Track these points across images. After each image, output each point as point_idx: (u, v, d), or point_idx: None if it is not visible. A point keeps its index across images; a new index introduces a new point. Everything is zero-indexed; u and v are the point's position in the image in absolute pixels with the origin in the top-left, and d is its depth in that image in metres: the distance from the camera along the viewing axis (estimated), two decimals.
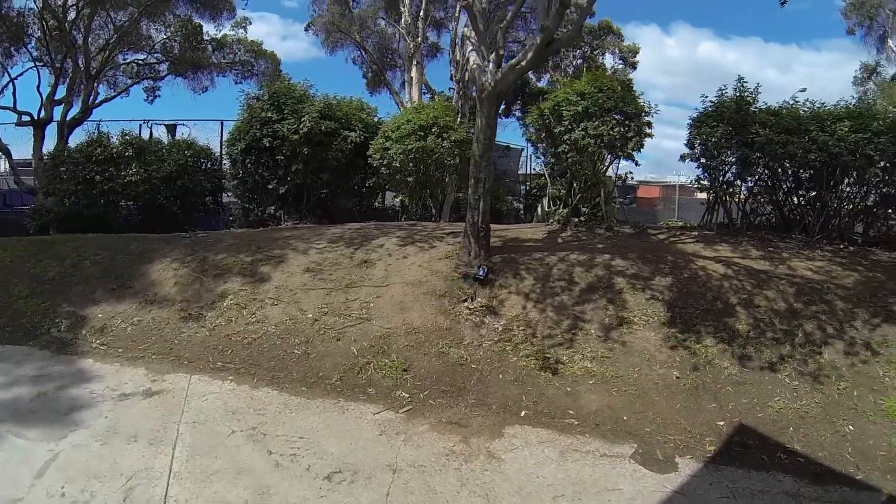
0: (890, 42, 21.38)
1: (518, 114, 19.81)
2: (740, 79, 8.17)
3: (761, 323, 5.92)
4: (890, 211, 7.92)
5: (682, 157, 8.43)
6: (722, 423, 4.83)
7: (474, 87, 8.36)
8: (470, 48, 6.92)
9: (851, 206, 8.03)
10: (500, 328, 5.96)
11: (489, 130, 6.50)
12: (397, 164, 8.69)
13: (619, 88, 8.19)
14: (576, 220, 8.28)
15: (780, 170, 8.00)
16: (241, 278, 6.58)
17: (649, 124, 8.24)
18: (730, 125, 7.70)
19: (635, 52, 21.54)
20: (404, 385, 5.06)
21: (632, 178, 8.82)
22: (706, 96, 8.39)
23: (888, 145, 7.06)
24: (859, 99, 8.75)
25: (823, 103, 7.92)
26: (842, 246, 7.53)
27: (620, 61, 20.70)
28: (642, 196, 23.24)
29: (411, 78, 16.83)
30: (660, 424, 4.75)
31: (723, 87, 8.20)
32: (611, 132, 7.72)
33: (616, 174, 8.65)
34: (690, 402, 5.02)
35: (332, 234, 7.77)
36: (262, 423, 4.44)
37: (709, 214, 8.57)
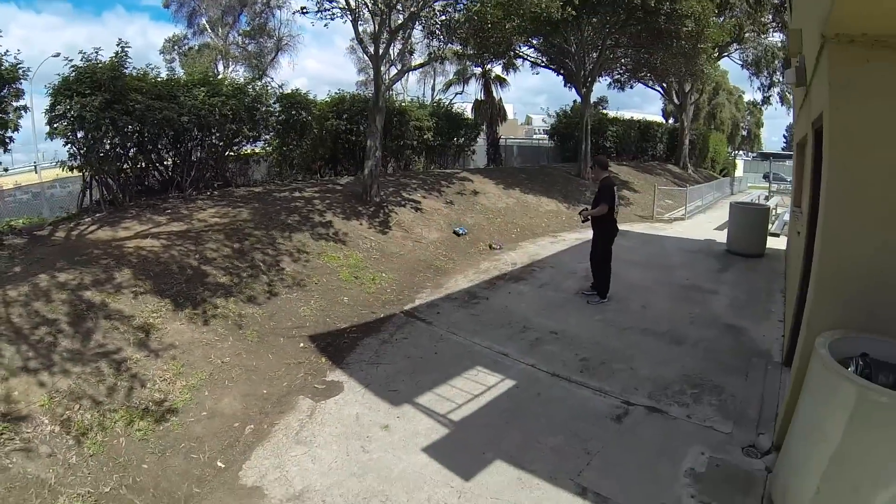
0: (203, 20, 27.41)
1: None
2: (121, 41, 7.71)
3: (231, 269, 6.69)
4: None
5: (51, 135, 7.02)
6: (300, 340, 5.67)
7: None
8: None
9: (209, 158, 9.29)
10: None
11: None
12: None
13: None
14: None
15: (158, 134, 8.10)
16: None
17: (21, 93, 6.20)
18: (107, 93, 7.07)
19: None
20: None
21: (3, 170, 6.25)
22: (69, 59, 7.22)
23: (237, 105, 8.79)
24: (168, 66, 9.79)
25: (175, 72, 8.57)
26: (208, 193, 8.78)
27: None
28: None
29: None
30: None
31: (92, 50, 7.50)
32: None
33: None
34: (282, 357, 5.49)
35: None
36: None
37: (84, 195, 7.64)
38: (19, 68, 6.36)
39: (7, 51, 6.30)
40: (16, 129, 6.30)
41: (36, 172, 18.31)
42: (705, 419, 4.34)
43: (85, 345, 4.77)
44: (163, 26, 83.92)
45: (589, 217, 7.25)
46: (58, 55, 7.31)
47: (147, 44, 74.92)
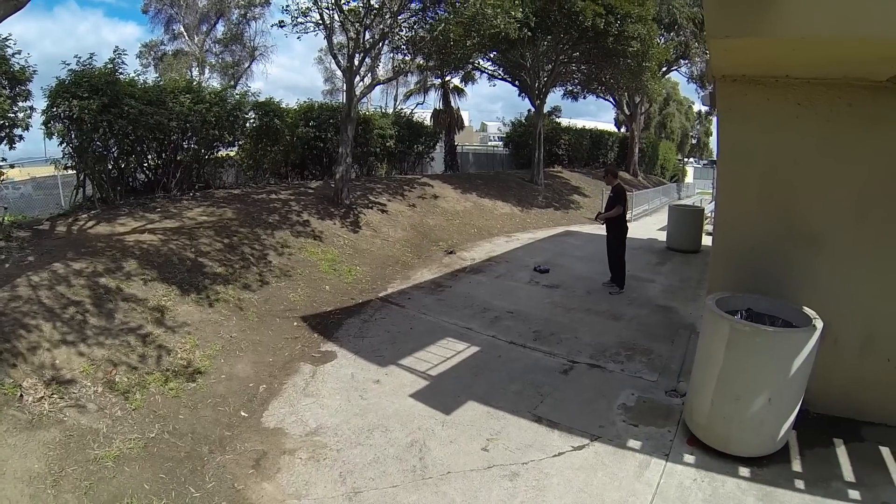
0: (179, 27, 28.02)
1: None
2: (117, 49, 8.42)
3: (225, 262, 7.55)
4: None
5: (48, 135, 7.64)
6: (293, 320, 6.57)
7: None
8: None
9: (192, 161, 9.99)
10: None
11: None
12: None
13: None
14: None
15: (148, 137, 8.80)
16: None
17: (29, 94, 6.81)
18: (104, 97, 7.72)
19: None
20: None
21: (5, 165, 6.77)
22: (67, 63, 7.95)
23: (220, 112, 9.56)
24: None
25: (159, 78, 9.14)
26: (191, 193, 9.52)
27: None
28: None
29: None
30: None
31: (87, 55, 8.20)
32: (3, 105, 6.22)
33: None
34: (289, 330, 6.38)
35: None
36: None
37: (77, 193, 8.29)
38: (28, 70, 6.94)
39: (20, 51, 6.91)
40: (26, 128, 6.91)
41: None
42: (636, 372, 5.55)
43: (111, 322, 5.57)
44: (116, 23, 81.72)
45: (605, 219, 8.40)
46: (19, 52, 7.18)
47: (100, 41, 73.12)
